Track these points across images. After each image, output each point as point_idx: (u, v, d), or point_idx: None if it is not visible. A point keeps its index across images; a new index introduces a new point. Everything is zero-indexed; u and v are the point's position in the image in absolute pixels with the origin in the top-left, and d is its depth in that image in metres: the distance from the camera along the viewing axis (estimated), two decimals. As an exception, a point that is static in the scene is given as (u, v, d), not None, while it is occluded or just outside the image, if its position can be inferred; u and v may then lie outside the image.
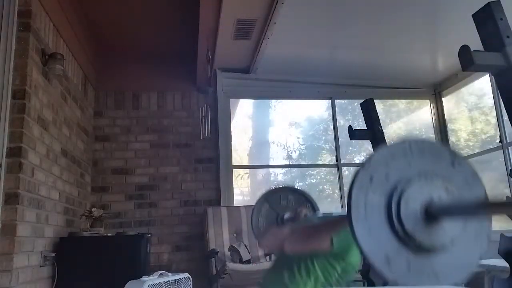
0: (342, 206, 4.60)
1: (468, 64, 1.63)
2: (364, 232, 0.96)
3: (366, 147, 4.95)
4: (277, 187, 2.34)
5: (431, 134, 5.13)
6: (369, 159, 0.98)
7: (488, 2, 1.76)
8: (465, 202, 1.01)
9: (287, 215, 2.17)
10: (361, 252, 0.98)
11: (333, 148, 4.85)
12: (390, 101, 5.34)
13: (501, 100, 2.44)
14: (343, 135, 4.72)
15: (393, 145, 1.03)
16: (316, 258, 1.71)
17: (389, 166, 0.99)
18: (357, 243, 0.98)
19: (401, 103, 5.47)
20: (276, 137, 5.08)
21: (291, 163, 5.04)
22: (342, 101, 5.16)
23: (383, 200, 0.97)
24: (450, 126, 5.04)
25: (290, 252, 1.71)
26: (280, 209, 2.21)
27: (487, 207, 0.98)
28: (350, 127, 3.24)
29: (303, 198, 2.25)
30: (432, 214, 0.97)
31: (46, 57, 2.85)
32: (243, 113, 5.20)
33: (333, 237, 1.59)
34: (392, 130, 5.34)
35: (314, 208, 2.22)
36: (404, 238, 0.97)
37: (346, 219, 1.51)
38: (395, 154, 1.00)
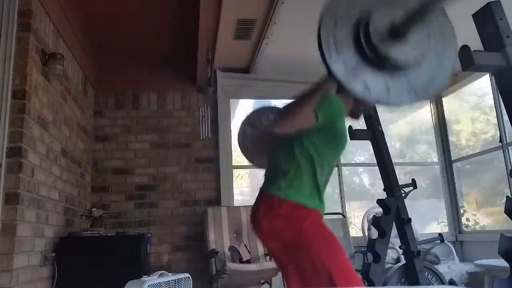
0: (342, 206, 4.60)
1: (468, 64, 1.63)
2: (339, 67, 1.02)
3: (366, 147, 4.95)
4: (256, 109, 2.34)
5: (431, 134, 5.13)
6: (330, 2, 1.05)
7: (488, 2, 1.76)
8: (415, 7, 1.06)
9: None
10: (340, 85, 1.05)
11: (333, 148, 4.84)
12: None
13: (501, 100, 2.43)
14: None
15: None
16: (305, 137, 1.72)
17: (352, 5, 1.06)
18: (335, 79, 1.05)
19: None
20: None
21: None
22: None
23: (351, 32, 1.03)
24: (450, 126, 5.04)
25: (279, 133, 1.71)
26: (264, 128, 2.23)
27: None
28: (350, 127, 3.23)
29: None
30: (397, 32, 1.03)
31: (46, 57, 2.85)
32: (243, 113, 5.20)
33: (317, 112, 1.62)
34: (395, 130, 5.34)
35: None
36: (378, 61, 1.03)
37: (321, 85, 1.57)
38: None
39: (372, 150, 3.49)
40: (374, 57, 1.03)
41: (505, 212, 1.91)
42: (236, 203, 4.38)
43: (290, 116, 1.66)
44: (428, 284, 3.24)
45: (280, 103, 2.39)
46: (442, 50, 1.15)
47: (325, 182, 1.79)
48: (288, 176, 1.71)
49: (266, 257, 3.86)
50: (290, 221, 1.66)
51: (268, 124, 2.22)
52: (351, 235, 4.22)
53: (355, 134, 3.32)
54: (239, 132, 2.28)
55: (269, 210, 1.70)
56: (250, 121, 2.28)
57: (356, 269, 3.97)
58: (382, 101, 1.08)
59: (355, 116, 1.93)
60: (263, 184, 1.82)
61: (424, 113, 5.24)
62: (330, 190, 5.01)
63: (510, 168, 4.00)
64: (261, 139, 2.20)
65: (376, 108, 3.52)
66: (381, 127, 3.41)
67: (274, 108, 2.38)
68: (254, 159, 2.26)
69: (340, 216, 4.37)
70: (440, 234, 3.92)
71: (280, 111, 1.76)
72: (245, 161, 5.34)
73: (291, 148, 1.75)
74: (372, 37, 1.01)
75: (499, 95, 2.18)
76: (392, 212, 3.10)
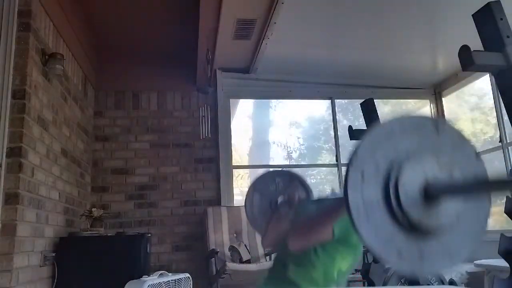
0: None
1: (468, 64, 1.63)
2: (370, 233, 0.92)
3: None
4: (262, 174, 2.31)
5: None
6: (355, 154, 0.94)
7: (488, 2, 1.75)
8: (463, 182, 0.98)
9: (280, 199, 2.15)
10: (373, 254, 0.96)
11: (333, 148, 4.85)
12: (394, 101, 5.34)
13: (501, 100, 2.43)
14: (345, 135, 4.72)
15: (374, 132, 0.98)
16: (319, 248, 1.70)
17: (377, 156, 0.95)
18: (367, 247, 0.94)
19: (410, 104, 5.46)
20: (276, 137, 5.08)
21: (291, 163, 5.04)
22: (343, 101, 5.16)
23: (380, 194, 0.94)
24: (450, 126, 5.04)
25: (294, 250, 1.70)
26: (271, 194, 2.20)
27: (487, 186, 0.96)
28: (350, 127, 3.23)
29: (290, 178, 2.24)
30: (431, 195, 0.94)
31: (46, 57, 2.85)
32: (243, 113, 5.20)
33: (334, 226, 1.59)
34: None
35: (303, 185, 2.20)
36: (411, 228, 0.93)
37: (344, 206, 1.50)
38: (379, 141, 0.97)
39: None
40: (405, 222, 0.93)
41: (505, 212, 1.91)
42: (236, 203, 4.37)
43: (308, 236, 1.65)
44: (428, 284, 3.24)
45: (283, 170, 2.36)
46: (476, 209, 1.05)
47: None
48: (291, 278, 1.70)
49: (266, 257, 3.86)
50: None
51: (275, 189, 2.20)
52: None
53: (355, 134, 3.32)
54: (246, 199, 2.23)
55: None
56: (257, 187, 2.24)
57: (356, 269, 3.97)
58: (416, 271, 1.00)
59: None
60: (265, 281, 1.82)
61: (424, 113, 5.24)
62: (330, 190, 5.00)
63: (510, 168, 4.00)
64: (271, 216, 2.15)
65: (375, 106, 3.52)
66: (381, 127, 3.40)
67: (280, 172, 2.35)
68: (263, 234, 2.19)
69: (340, 216, 4.36)
70: (440, 234, 3.90)
71: (296, 228, 1.72)
72: (245, 161, 5.35)
73: (305, 258, 1.72)
74: (403, 203, 0.92)
75: (499, 95, 2.18)
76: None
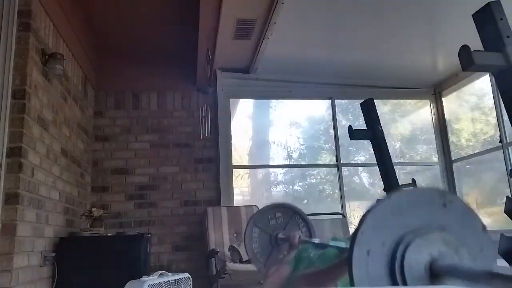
0: (342, 206, 4.59)
1: (468, 64, 1.63)
2: None
3: (366, 147, 4.95)
4: (262, 208, 2.29)
5: (431, 134, 5.13)
6: (361, 232, 0.94)
7: (488, 2, 1.76)
8: (471, 269, 0.96)
9: (280, 235, 2.14)
10: None
11: (333, 148, 4.85)
12: (394, 101, 5.34)
13: (501, 100, 2.43)
14: (345, 135, 4.72)
15: (381, 207, 0.98)
16: None
17: (383, 233, 0.96)
18: None
19: (409, 104, 5.46)
20: (276, 137, 5.08)
21: (291, 163, 5.04)
22: (343, 101, 5.16)
23: (386, 271, 0.94)
24: (450, 126, 5.04)
25: None
26: (271, 229, 2.19)
27: (495, 278, 0.92)
28: (350, 127, 3.23)
29: (290, 212, 2.22)
30: (436, 274, 0.95)
31: (46, 57, 2.85)
32: (243, 113, 5.20)
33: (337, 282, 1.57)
34: (395, 130, 5.34)
35: (304, 221, 2.18)
36: None
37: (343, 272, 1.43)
38: (386, 217, 0.97)
39: (372, 150, 3.49)
40: None
41: (505, 212, 1.91)
42: (236, 203, 4.38)
43: None
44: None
45: (280, 205, 2.34)
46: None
47: None
48: None
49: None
50: None
51: (276, 224, 2.17)
52: (351, 235, 4.22)
53: (355, 134, 3.32)
54: (245, 234, 2.23)
55: None
56: (257, 222, 2.23)
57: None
58: None
59: None
60: None
61: (424, 113, 5.24)
62: (330, 190, 5.01)
63: (510, 168, 4.00)
64: (271, 252, 2.15)
65: (375, 106, 3.53)
66: (381, 127, 3.41)
67: (281, 206, 2.32)
68: (263, 275, 2.19)
69: (340, 216, 4.37)
70: (440, 234, 3.91)
71: (299, 280, 1.71)
72: (245, 161, 5.35)
73: None
74: (408, 281, 0.93)
75: (499, 95, 2.18)
76: (392, 212, 3.10)
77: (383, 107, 5.18)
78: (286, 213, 2.24)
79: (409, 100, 5.39)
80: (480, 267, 0.98)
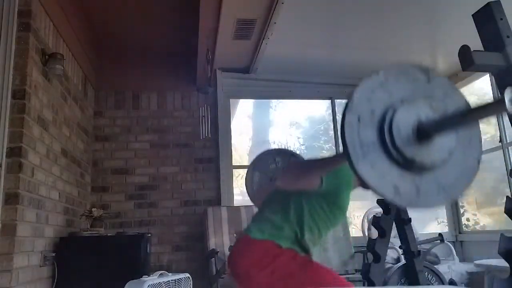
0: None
1: (468, 64, 1.63)
2: (367, 169, 0.98)
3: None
4: (261, 153, 2.32)
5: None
6: (351, 100, 1.02)
7: (488, 2, 1.76)
8: (451, 114, 1.03)
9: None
10: (370, 189, 1.02)
11: (333, 148, 4.85)
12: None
13: (501, 100, 2.42)
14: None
15: (369, 81, 1.05)
16: (304, 197, 1.73)
17: (372, 101, 1.02)
18: (363, 182, 1.01)
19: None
20: (276, 137, 5.07)
21: (291, 163, 5.03)
22: (343, 101, 5.15)
23: (376, 134, 1.00)
24: (450, 126, 5.04)
25: (282, 187, 1.71)
26: (271, 172, 2.23)
27: (472, 113, 1.02)
28: (350, 127, 3.23)
29: (289, 155, 2.26)
30: (424, 133, 1.01)
31: (46, 57, 2.85)
32: (243, 113, 5.20)
33: (323, 177, 1.60)
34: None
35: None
36: (406, 164, 1.00)
37: (336, 159, 1.55)
38: (373, 89, 1.04)
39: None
40: (400, 159, 1.00)
41: (505, 212, 1.91)
42: (236, 203, 4.38)
43: (296, 177, 1.65)
44: (428, 284, 3.24)
45: (280, 148, 2.40)
46: (468, 145, 1.12)
47: (310, 244, 1.76)
48: (273, 224, 1.72)
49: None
50: (263, 261, 1.67)
51: (276, 168, 2.22)
52: (351, 235, 4.22)
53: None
54: (246, 177, 2.25)
55: (245, 251, 1.72)
56: (257, 166, 2.26)
57: (356, 269, 3.97)
58: (412, 205, 1.05)
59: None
60: (246, 226, 1.84)
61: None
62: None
63: (510, 168, 4.00)
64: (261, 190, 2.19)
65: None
66: (381, 127, 3.40)
67: (279, 151, 2.37)
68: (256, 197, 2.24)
69: (340, 216, 4.36)
70: (440, 234, 3.92)
71: (289, 168, 1.76)
72: (245, 161, 5.35)
73: (286, 202, 1.75)
74: (396, 141, 0.99)
75: (499, 95, 2.17)
76: (392, 212, 3.10)
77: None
78: (284, 157, 2.28)
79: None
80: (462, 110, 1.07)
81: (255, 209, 2.08)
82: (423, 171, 1.02)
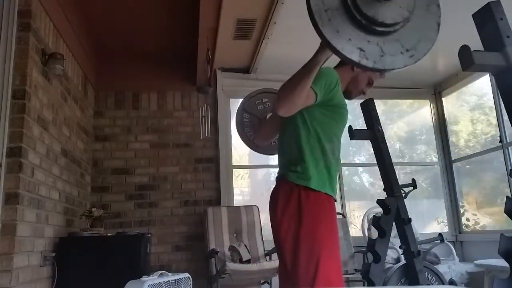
0: (342, 206, 4.60)
1: (468, 64, 1.62)
2: (333, 34, 1.06)
3: (366, 147, 4.95)
4: (248, 95, 2.38)
5: (431, 134, 5.13)
6: None
7: (488, 2, 1.75)
8: None
9: (269, 116, 2.23)
10: (336, 53, 1.10)
11: (333, 148, 4.84)
12: (390, 102, 5.33)
13: (501, 100, 2.43)
14: (345, 135, 4.71)
15: None
16: (307, 114, 1.82)
17: None
18: (329, 46, 1.09)
19: (404, 104, 5.46)
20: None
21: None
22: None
23: (339, 2, 1.08)
24: (450, 126, 5.04)
25: (283, 114, 1.76)
26: (259, 113, 2.30)
27: None
28: (350, 127, 3.23)
29: (276, 96, 2.29)
30: None
31: (46, 57, 2.85)
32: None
33: (314, 89, 1.73)
34: (393, 131, 5.34)
35: None
36: (368, 25, 1.06)
37: (314, 55, 1.62)
38: None
39: (372, 150, 3.48)
40: (364, 21, 1.05)
41: (505, 212, 1.90)
42: (236, 203, 4.38)
43: (291, 94, 1.70)
44: (428, 284, 3.24)
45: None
46: (425, 9, 1.19)
47: (336, 162, 1.84)
48: (298, 160, 1.78)
49: (266, 257, 3.86)
50: (296, 205, 1.71)
51: (264, 109, 2.29)
52: (351, 235, 4.22)
53: (355, 134, 3.32)
54: (236, 119, 2.31)
55: (283, 196, 1.76)
56: (246, 108, 2.33)
57: (356, 269, 3.97)
58: (378, 65, 1.12)
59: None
60: (278, 171, 1.90)
61: (424, 113, 5.24)
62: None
63: (510, 168, 4.00)
64: (260, 123, 2.26)
65: (376, 108, 3.52)
66: (381, 127, 3.40)
67: (266, 91, 2.41)
68: (258, 146, 2.34)
69: (340, 216, 4.36)
70: (440, 234, 3.92)
71: (279, 92, 1.80)
72: (245, 161, 5.34)
73: (296, 129, 1.82)
74: (357, 1, 1.05)
75: (499, 95, 2.18)
76: (392, 212, 3.10)
77: (383, 107, 5.18)
78: (272, 97, 2.33)
79: (409, 100, 5.39)
80: None
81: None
82: (385, 33, 1.08)
